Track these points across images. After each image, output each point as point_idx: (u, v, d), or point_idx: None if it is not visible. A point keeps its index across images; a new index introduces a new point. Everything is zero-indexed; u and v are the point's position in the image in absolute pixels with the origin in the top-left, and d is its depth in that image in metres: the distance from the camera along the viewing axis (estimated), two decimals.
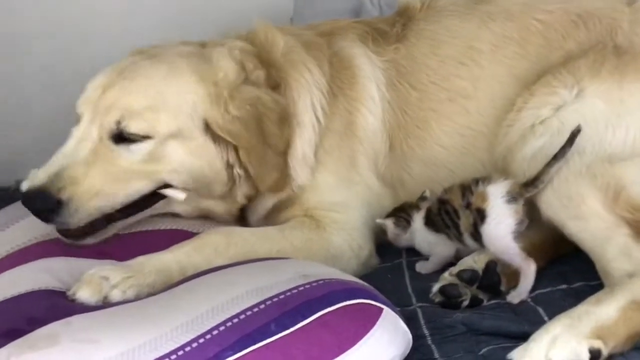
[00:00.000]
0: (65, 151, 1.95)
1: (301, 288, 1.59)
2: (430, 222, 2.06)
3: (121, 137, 1.96)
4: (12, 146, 3.19)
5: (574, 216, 1.85)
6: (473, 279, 1.92)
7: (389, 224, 2.12)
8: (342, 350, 1.48)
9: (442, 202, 2.03)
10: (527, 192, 1.91)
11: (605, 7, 2.24)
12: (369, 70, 2.26)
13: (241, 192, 2.12)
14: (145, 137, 1.96)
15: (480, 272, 1.93)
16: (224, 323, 1.50)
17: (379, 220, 2.14)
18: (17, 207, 2.09)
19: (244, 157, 2.02)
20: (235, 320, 1.50)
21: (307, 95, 2.18)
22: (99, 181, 1.93)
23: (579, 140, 1.88)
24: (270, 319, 1.50)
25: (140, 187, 2.00)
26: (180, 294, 1.67)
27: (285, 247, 1.99)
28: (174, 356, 1.44)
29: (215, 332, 1.48)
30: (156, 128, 1.97)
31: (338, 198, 2.16)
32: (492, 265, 1.93)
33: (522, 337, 1.67)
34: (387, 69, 2.26)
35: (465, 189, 1.98)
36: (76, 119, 2.02)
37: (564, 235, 1.92)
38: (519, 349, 1.56)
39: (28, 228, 2.00)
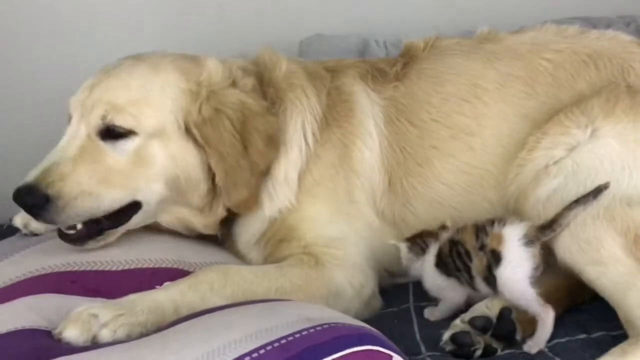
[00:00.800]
0: (56, 150, 2.00)
1: (305, 332, 1.50)
2: (441, 264, 1.98)
3: (108, 134, 2.00)
4: (5, 185, 3.13)
5: (593, 261, 1.79)
6: (486, 326, 1.84)
7: (403, 247, 2.04)
8: None
9: (454, 243, 1.95)
10: (544, 235, 1.85)
11: (616, 48, 2.23)
12: (367, 106, 2.24)
13: (221, 205, 2.11)
14: (131, 133, 2.00)
15: (494, 319, 1.86)
16: None
17: (392, 242, 2.07)
18: (9, 243, 2.11)
19: (212, 163, 2.03)
20: None
21: (299, 118, 2.18)
22: (86, 179, 1.95)
23: (595, 181, 1.86)
24: None
25: (121, 195, 2.00)
26: (174, 336, 1.58)
27: (285, 285, 1.94)
28: None
29: None
30: (141, 122, 2.01)
31: (336, 233, 2.11)
32: (507, 312, 1.86)
33: None
34: (386, 107, 2.24)
35: (480, 229, 1.91)
36: (68, 120, 2.07)
37: (581, 282, 1.86)
38: None
39: (18, 264, 1.95)
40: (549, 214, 1.87)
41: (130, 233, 2.09)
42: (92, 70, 2.14)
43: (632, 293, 1.71)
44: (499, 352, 1.82)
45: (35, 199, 1.91)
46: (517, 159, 2.09)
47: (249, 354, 1.43)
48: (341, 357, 1.44)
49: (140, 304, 1.74)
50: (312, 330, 1.51)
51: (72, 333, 1.63)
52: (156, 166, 2.02)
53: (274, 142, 2.11)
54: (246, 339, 1.47)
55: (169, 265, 2.02)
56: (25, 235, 2.18)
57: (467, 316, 1.87)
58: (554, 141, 2.02)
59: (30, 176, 1.93)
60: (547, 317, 1.80)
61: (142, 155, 2.01)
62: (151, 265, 2.00)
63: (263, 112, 2.11)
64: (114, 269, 1.97)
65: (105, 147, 2.00)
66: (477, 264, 1.90)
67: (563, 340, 1.82)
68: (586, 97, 2.08)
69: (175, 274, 1.96)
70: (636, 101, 2.01)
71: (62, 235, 2.01)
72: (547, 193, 1.93)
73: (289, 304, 1.78)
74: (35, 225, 2.17)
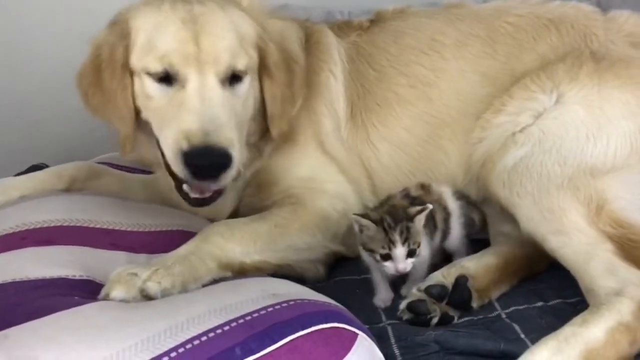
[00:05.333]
0: (199, 107, 1.88)
1: (270, 309, 1.48)
2: None
3: (231, 79, 1.96)
4: None
5: (556, 230, 1.80)
6: (442, 294, 1.85)
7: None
8: None
9: (413, 199, 1.98)
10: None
11: (578, 14, 2.23)
12: (334, 44, 2.30)
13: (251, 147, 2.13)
14: (244, 74, 1.98)
15: (450, 287, 1.87)
16: (183, 345, 1.36)
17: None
18: None
19: (272, 94, 2.05)
20: (196, 342, 1.37)
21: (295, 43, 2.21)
22: (239, 135, 1.92)
23: (560, 150, 1.88)
24: (236, 343, 1.37)
25: None
26: (135, 308, 1.55)
27: (280, 221, 2.03)
28: None
29: (173, 355, 1.34)
30: (251, 61, 2.00)
31: (308, 173, 2.18)
32: (462, 280, 1.88)
33: (499, 356, 1.63)
34: (348, 48, 2.31)
35: (424, 187, 2.02)
36: (168, 70, 1.93)
37: (539, 252, 1.88)
38: None
39: None
40: (514, 182, 1.89)
41: None
42: None
43: (594, 263, 1.72)
44: (457, 320, 1.83)
45: (228, 160, 1.84)
46: (481, 119, 2.11)
47: (213, 329, 1.40)
48: (306, 334, 1.42)
49: (168, 259, 1.79)
50: (277, 307, 1.49)
51: (119, 292, 1.65)
52: (251, 103, 2.02)
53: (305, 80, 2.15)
54: (210, 314, 1.45)
55: (173, 228, 2.08)
56: None
57: (423, 285, 1.88)
58: (520, 106, 2.03)
59: (209, 137, 1.83)
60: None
61: (248, 96, 2.01)
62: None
63: (299, 36, 2.21)
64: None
65: (235, 93, 1.96)
66: (439, 215, 1.99)
67: (521, 307, 1.84)
68: (551, 62, 2.09)
69: (181, 235, 2.01)
70: (600, 67, 2.01)
71: (191, 199, 1.96)
72: (514, 161, 1.93)
73: (253, 280, 1.76)
74: None
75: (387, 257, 1.83)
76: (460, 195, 2.07)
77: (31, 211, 2.01)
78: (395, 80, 2.23)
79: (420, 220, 1.85)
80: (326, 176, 2.16)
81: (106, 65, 1.99)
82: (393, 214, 1.85)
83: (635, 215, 1.80)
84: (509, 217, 1.93)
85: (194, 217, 2.18)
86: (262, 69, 2.04)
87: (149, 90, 1.94)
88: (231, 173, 1.87)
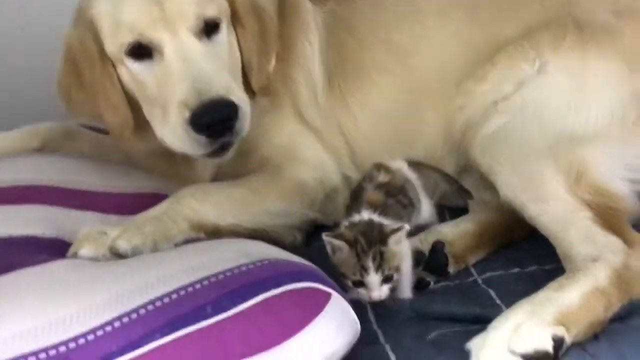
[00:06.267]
0: (183, 69, 1.85)
1: (243, 268, 1.45)
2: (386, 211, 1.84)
3: (208, 31, 1.92)
4: None
5: (535, 198, 1.78)
6: (419, 260, 1.84)
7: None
8: (286, 337, 1.34)
9: (382, 185, 1.90)
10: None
11: None
12: (310, 12, 2.26)
13: None
14: (220, 23, 1.94)
15: (427, 252, 1.87)
16: (152, 302, 1.34)
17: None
18: None
19: (248, 45, 2.01)
20: (166, 299, 1.34)
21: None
22: (235, 79, 1.92)
23: (542, 118, 1.87)
24: (207, 301, 1.35)
25: None
26: (105, 266, 1.54)
27: (257, 186, 2.01)
28: (91, 336, 1.26)
29: (142, 312, 1.32)
30: (221, 8, 1.95)
31: (286, 140, 2.16)
32: (439, 246, 1.87)
33: (473, 321, 1.62)
34: (326, 17, 2.26)
35: (381, 167, 1.96)
36: (133, 46, 1.89)
37: (517, 219, 1.87)
38: (477, 339, 1.47)
39: None
40: (494, 149, 1.88)
41: None
42: None
43: (572, 230, 1.70)
44: (432, 285, 1.82)
45: (230, 106, 1.82)
46: (463, 87, 2.08)
47: (183, 287, 1.37)
48: (279, 293, 1.40)
49: (139, 218, 1.78)
50: (251, 266, 1.46)
51: (88, 251, 1.65)
52: (234, 54, 1.99)
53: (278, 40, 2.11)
54: (181, 273, 1.41)
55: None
56: None
57: None
58: (502, 75, 2.01)
59: (203, 93, 1.79)
60: None
61: (231, 43, 1.98)
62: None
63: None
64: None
65: (216, 43, 1.93)
66: (413, 194, 1.94)
67: (496, 273, 1.84)
68: (535, 30, 2.06)
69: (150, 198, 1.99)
70: (583, 37, 1.98)
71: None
72: (495, 129, 1.92)
73: (228, 241, 1.73)
74: None
75: (360, 283, 1.70)
76: (415, 164, 2.02)
77: (1, 171, 1.97)
78: (375, 47, 2.20)
79: (396, 241, 1.71)
80: (304, 144, 2.15)
81: (82, 60, 1.94)
82: (367, 235, 1.70)
83: (615, 183, 1.79)
84: (488, 185, 1.91)
85: (168, 181, 2.14)
86: (235, 19, 2.00)
87: (135, 73, 1.90)
88: (244, 120, 1.85)
